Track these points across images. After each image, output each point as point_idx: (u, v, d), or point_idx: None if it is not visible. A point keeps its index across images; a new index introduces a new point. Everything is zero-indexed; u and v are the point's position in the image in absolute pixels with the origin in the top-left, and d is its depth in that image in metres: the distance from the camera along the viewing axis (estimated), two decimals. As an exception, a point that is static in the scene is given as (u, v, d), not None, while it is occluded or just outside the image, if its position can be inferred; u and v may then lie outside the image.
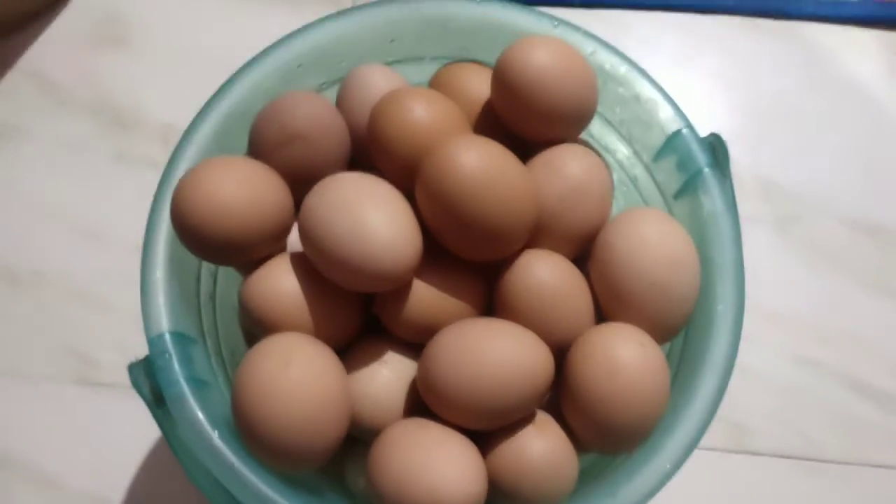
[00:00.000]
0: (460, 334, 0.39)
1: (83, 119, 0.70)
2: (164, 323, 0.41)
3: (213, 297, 0.46)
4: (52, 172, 0.68)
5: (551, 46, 0.41)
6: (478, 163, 0.38)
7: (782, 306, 0.66)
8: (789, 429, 0.63)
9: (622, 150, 0.48)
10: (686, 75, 0.71)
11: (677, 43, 0.72)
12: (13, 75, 0.70)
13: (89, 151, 0.69)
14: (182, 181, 0.40)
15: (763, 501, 0.62)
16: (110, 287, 0.66)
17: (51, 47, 0.72)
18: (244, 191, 0.40)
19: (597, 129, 0.49)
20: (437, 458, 0.36)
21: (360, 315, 0.43)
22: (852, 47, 0.75)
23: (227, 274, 0.47)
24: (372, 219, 0.39)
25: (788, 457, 0.62)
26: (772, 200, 0.69)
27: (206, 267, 0.46)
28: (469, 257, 0.41)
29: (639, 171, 0.48)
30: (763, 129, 0.72)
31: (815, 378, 0.64)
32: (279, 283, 0.41)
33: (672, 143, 0.44)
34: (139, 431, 0.61)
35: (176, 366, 0.39)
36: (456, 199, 0.38)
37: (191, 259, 0.44)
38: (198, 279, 0.45)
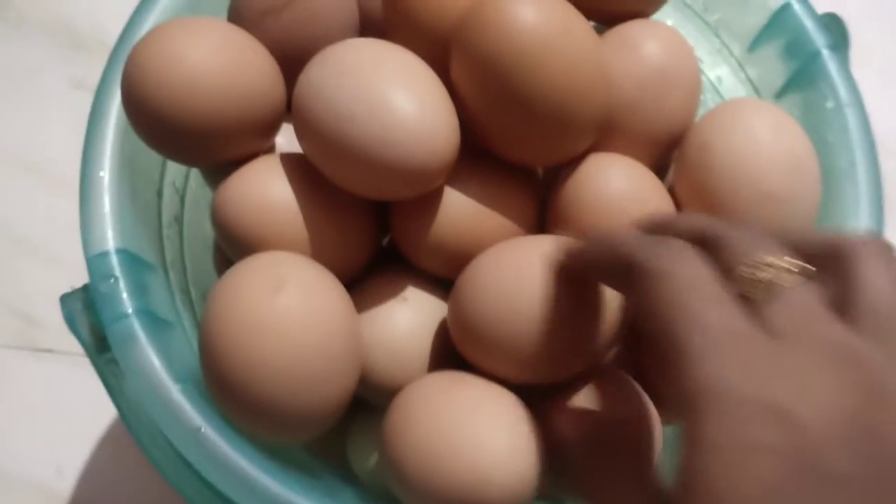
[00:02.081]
0: (505, 256, 0.31)
1: (36, 41, 0.64)
2: (109, 238, 0.32)
3: (179, 220, 0.37)
4: (-2, 101, 0.61)
5: None
6: (538, 16, 0.30)
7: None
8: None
9: (702, 46, 0.40)
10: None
11: None
12: (-43, -7, 0.65)
13: (42, 77, 0.63)
14: (139, 43, 0.31)
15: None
16: (60, 235, 0.58)
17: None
18: (221, 59, 0.31)
19: (671, 20, 0.40)
20: (478, 424, 0.29)
21: (373, 235, 0.34)
22: None
23: (197, 193, 0.38)
24: (394, 95, 0.30)
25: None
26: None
27: (171, 179, 0.37)
28: (519, 158, 0.34)
29: (724, 70, 0.39)
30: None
31: None
32: (266, 187, 0.32)
33: (779, 21, 0.36)
34: (96, 407, 0.53)
35: (124, 294, 0.31)
36: (508, 65, 0.30)
37: (149, 163, 0.35)
38: (159, 194, 0.36)
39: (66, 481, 0.52)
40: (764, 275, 0.22)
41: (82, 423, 0.53)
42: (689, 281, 0.22)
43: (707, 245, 0.23)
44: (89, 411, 0.53)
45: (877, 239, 0.23)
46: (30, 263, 0.57)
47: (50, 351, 0.55)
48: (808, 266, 0.22)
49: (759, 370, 0.20)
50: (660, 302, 0.22)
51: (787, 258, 0.22)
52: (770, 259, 0.22)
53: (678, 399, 0.21)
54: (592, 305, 0.30)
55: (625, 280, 0.24)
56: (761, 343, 0.20)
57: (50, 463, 0.52)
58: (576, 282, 0.29)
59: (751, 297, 0.21)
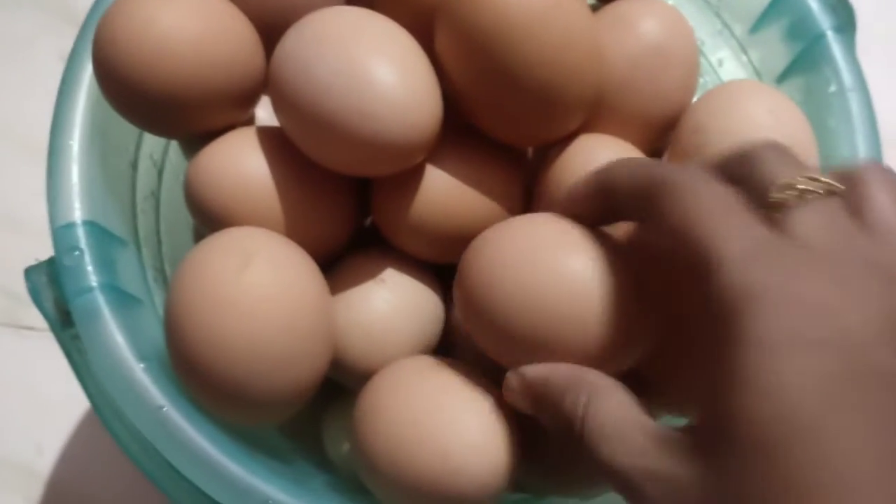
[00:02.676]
0: (519, 232, 0.28)
1: (27, 13, 0.62)
2: (76, 209, 0.30)
3: (156, 195, 0.36)
4: (-14, 74, 0.60)
5: None
6: None
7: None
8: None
9: (703, 27, 0.39)
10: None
11: None
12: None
13: (32, 50, 0.61)
14: (110, 7, 0.30)
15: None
16: (43, 211, 0.55)
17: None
18: (195, 24, 0.30)
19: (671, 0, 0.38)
20: (450, 411, 0.28)
21: (351, 214, 0.33)
22: None
23: (177, 168, 0.37)
24: (375, 66, 0.28)
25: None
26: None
27: (148, 152, 0.36)
28: (505, 136, 0.32)
29: (725, 52, 0.38)
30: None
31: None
32: (240, 161, 0.31)
33: (783, 1, 0.35)
34: (76, 386, 0.51)
35: (89, 267, 0.30)
36: (495, 38, 0.29)
37: (124, 134, 0.34)
38: (134, 166, 0.34)
39: (46, 460, 0.51)
40: (793, 192, 0.22)
41: (63, 402, 0.52)
42: (717, 194, 0.22)
43: (733, 176, 0.23)
44: (70, 390, 0.52)
45: (879, 164, 0.24)
46: (15, 238, 0.56)
47: (31, 328, 0.54)
48: (834, 183, 0.22)
49: (800, 271, 0.20)
50: (689, 213, 0.22)
51: (814, 176, 0.22)
52: (799, 178, 0.22)
53: (711, 308, 0.21)
54: (624, 295, 0.26)
55: (645, 202, 0.24)
56: (796, 248, 0.21)
57: (29, 441, 0.51)
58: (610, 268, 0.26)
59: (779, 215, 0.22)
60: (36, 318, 0.55)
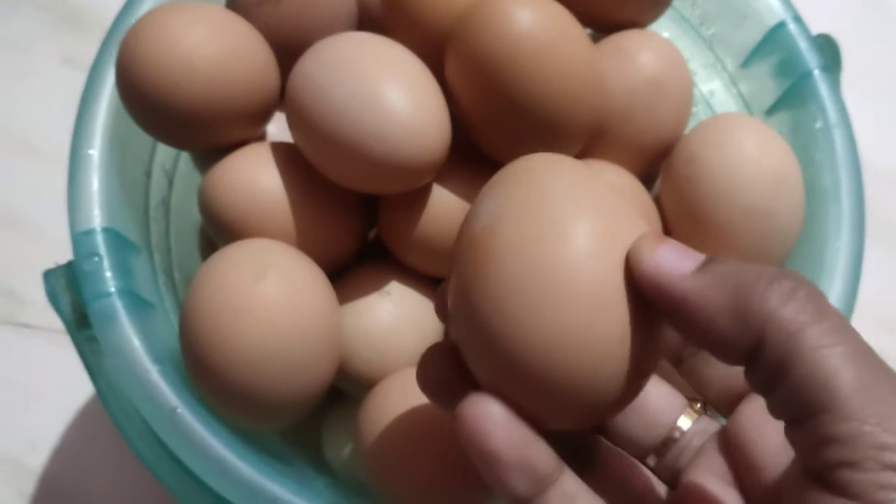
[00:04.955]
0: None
1: (28, 15, 0.61)
2: (95, 216, 0.31)
3: (166, 202, 0.36)
4: (-15, 74, 0.59)
5: None
6: (535, 20, 0.30)
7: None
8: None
9: (696, 59, 0.39)
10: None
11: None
12: (-53, -39, 0.62)
13: (33, 52, 0.61)
14: (135, 26, 0.31)
15: None
16: (46, 210, 0.56)
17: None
18: (216, 45, 0.31)
19: (667, 32, 0.39)
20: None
21: (358, 228, 0.34)
22: None
23: (186, 177, 0.37)
24: (388, 90, 0.29)
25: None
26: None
27: (160, 161, 0.36)
28: (507, 159, 0.31)
29: (717, 84, 0.39)
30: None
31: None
32: (254, 176, 0.32)
33: (773, 39, 0.36)
34: (71, 383, 0.51)
35: (107, 273, 0.31)
36: (503, 67, 0.30)
37: (139, 143, 0.35)
38: (148, 175, 0.35)
39: (39, 457, 0.51)
40: None
41: (57, 399, 0.52)
42: None
43: None
44: (65, 387, 0.52)
45: None
46: (13, 238, 0.56)
47: (28, 326, 0.54)
48: None
49: None
50: None
51: None
52: None
53: None
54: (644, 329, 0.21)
55: None
56: None
57: (23, 437, 0.51)
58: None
59: None
60: (31, 316, 0.55)
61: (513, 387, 0.20)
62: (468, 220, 0.22)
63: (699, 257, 0.20)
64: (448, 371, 0.22)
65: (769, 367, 0.18)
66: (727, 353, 0.19)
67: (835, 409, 0.17)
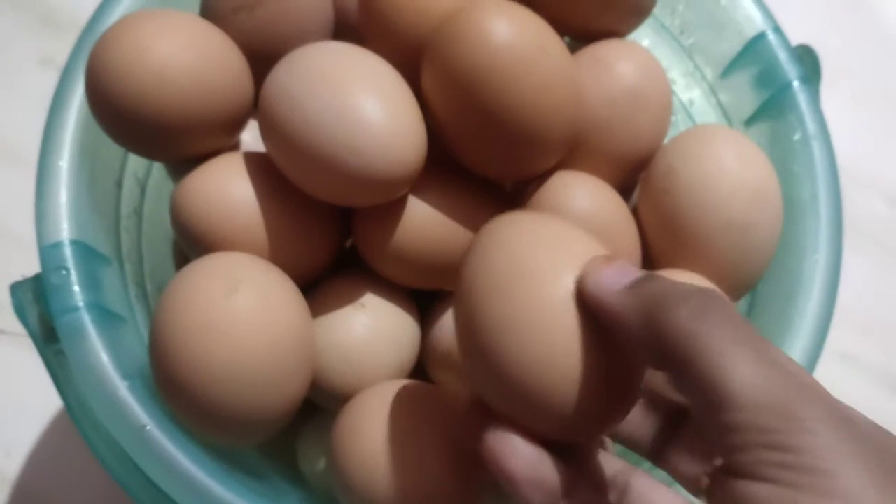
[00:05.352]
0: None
1: (5, 14, 0.61)
2: (63, 228, 0.31)
3: (138, 212, 0.36)
4: (-41, 75, 0.58)
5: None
6: (512, 32, 0.29)
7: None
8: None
9: (676, 67, 0.39)
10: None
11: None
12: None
13: (9, 53, 0.60)
14: (105, 34, 0.30)
15: None
16: (21, 216, 0.55)
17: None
18: (189, 53, 0.30)
19: (647, 40, 0.39)
20: (424, 441, 0.29)
21: (333, 240, 0.34)
22: None
23: (159, 185, 0.37)
24: (363, 102, 0.29)
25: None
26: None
27: (132, 171, 0.36)
28: (484, 170, 0.33)
29: (696, 93, 0.38)
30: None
31: (851, 373, 0.55)
32: (226, 186, 0.31)
33: (753, 49, 0.36)
34: (46, 390, 0.51)
35: (75, 287, 0.30)
36: (480, 80, 0.29)
37: (111, 153, 0.34)
38: (119, 184, 0.35)
39: (14, 463, 0.50)
40: None
41: (32, 406, 0.52)
42: None
43: None
44: (40, 394, 0.52)
45: None
46: (-11, 243, 0.55)
47: (2, 332, 0.53)
48: None
49: None
50: None
51: None
52: None
53: None
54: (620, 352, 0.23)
55: None
56: None
57: (-4, 448, 0.50)
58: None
59: None
60: (7, 323, 0.55)
61: (508, 404, 0.23)
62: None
63: (636, 275, 0.22)
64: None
65: (675, 370, 0.20)
66: (647, 360, 0.22)
67: (728, 404, 0.19)
